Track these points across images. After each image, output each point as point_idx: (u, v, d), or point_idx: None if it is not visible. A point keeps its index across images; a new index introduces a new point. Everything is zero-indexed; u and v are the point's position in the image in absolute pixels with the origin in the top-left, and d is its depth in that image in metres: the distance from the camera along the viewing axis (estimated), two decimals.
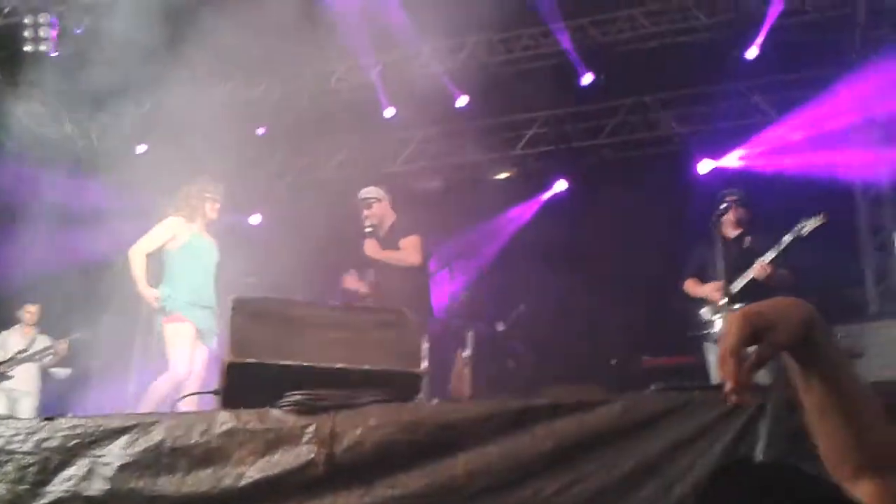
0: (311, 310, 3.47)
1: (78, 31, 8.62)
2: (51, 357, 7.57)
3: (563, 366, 7.43)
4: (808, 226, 5.21)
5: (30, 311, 7.94)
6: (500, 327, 7.37)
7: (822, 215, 5.24)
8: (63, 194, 9.15)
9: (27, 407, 7.46)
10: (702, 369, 5.60)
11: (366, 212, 5.75)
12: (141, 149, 10.90)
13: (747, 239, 5.57)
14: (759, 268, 5.26)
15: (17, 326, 7.95)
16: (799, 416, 2.31)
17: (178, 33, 8.20)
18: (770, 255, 5.27)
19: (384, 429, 2.77)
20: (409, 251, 5.54)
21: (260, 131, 9.98)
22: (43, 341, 7.74)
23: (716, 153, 9.15)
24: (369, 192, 5.85)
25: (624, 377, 7.24)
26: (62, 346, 7.51)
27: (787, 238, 5.25)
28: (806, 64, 8.72)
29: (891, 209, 8.26)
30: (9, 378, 7.08)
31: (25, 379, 7.47)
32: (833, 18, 8.20)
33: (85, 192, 9.46)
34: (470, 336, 6.93)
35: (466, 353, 6.90)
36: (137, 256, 5.50)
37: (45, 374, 7.79)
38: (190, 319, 5.45)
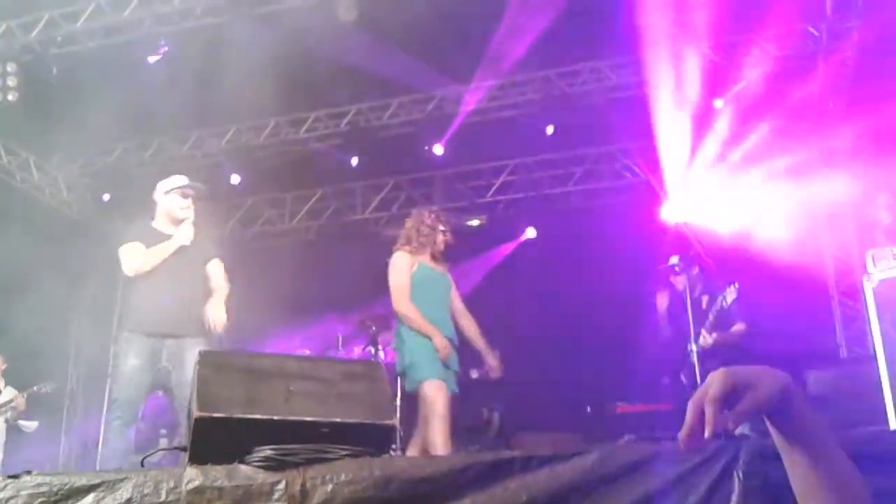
0: (277, 361, 3.43)
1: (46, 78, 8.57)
2: (11, 411, 7.39)
3: (536, 413, 7.41)
4: (729, 296, 5.48)
5: None
6: (474, 375, 7.32)
7: (734, 284, 5.53)
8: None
9: None
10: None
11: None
12: (106, 197, 10.86)
13: (704, 298, 5.82)
14: (702, 340, 5.56)
15: None
16: (772, 468, 2.33)
17: (146, 82, 8.23)
18: (707, 325, 5.57)
19: (356, 484, 2.72)
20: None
21: (235, 180, 9.93)
22: (9, 393, 7.56)
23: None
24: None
25: (599, 424, 7.22)
26: (20, 398, 7.33)
27: (710, 317, 5.57)
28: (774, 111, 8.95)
29: (857, 254, 8.40)
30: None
31: None
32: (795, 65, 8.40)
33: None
34: None
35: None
36: (409, 305, 4.90)
37: (10, 429, 7.59)
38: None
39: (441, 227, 5.25)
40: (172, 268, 5.24)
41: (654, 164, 9.45)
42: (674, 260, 6.12)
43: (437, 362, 4.62)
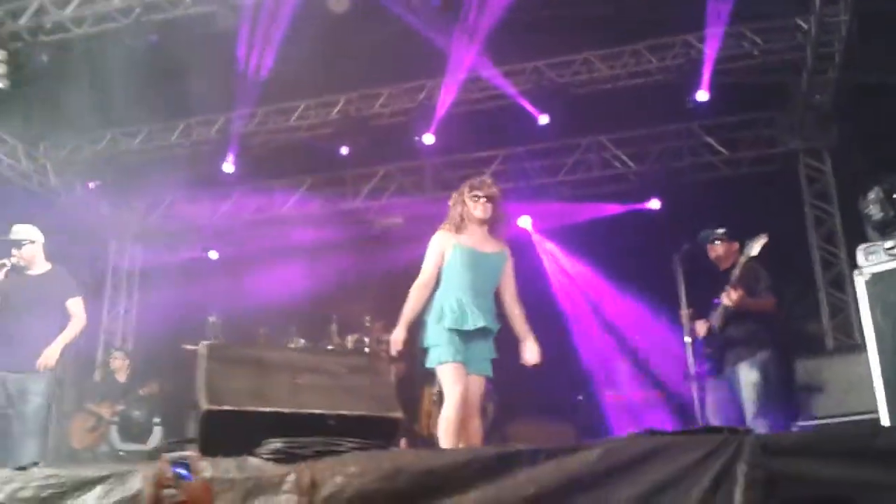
0: (283, 354, 3.48)
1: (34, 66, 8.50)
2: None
3: (528, 402, 7.47)
4: (755, 246, 5.40)
5: None
6: None
7: (763, 235, 5.45)
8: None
9: None
10: (685, 407, 5.69)
11: (15, 251, 5.74)
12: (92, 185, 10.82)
13: (735, 273, 5.70)
14: (726, 295, 5.44)
15: None
16: (776, 462, 2.39)
17: (133, 72, 8.18)
18: (733, 280, 5.45)
19: (365, 476, 2.75)
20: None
21: (229, 168, 9.89)
22: None
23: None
24: (20, 232, 5.86)
25: (589, 412, 7.31)
26: None
27: (741, 260, 5.43)
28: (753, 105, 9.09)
29: (843, 244, 8.54)
30: None
31: None
32: (781, 62, 8.48)
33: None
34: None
35: (435, 389, 6.87)
36: (414, 290, 4.66)
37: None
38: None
39: (470, 194, 4.74)
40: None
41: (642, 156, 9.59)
42: (720, 231, 5.91)
43: (451, 346, 4.53)
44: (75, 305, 5.87)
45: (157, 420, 8.36)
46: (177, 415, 8.34)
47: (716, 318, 5.62)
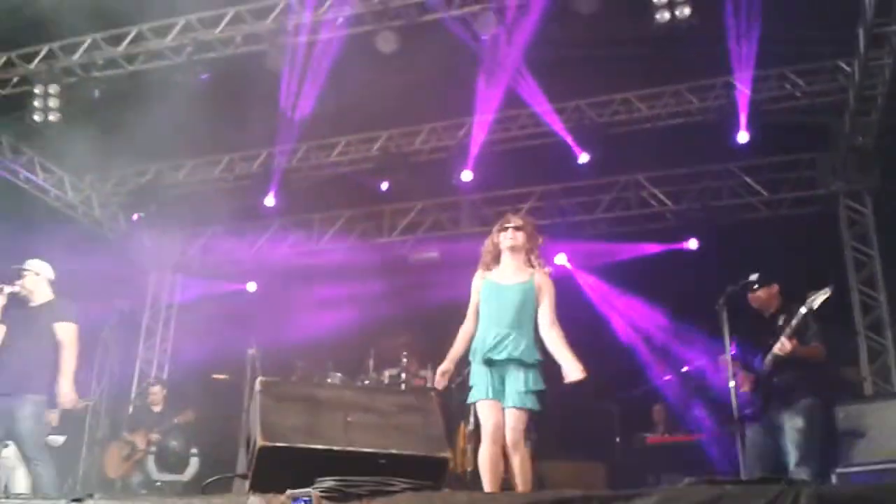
0: (335, 391, 3.52)
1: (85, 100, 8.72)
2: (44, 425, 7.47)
3: (565, 442, 7.43)
4: (818, 298, 5.30)
5: None
6: None
7: (828, 288, 5.35)
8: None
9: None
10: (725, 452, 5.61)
11: (18, 281, 5.87)
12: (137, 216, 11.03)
13: (781, 317, 5.63)
14: (780, 345, 5.38)
15: None
16: None
17: (181, 107, 8.37)
18: (788, 331, 5.37)
19: None
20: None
21: (270, 202, 10.05)
22: None
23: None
24: (29, 264, 5.98)
25: (627, 455, 7.24)
26: (52, 415, 7.41)
27: (801, 310, 5.34)
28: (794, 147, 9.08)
29: (883, 288, 8.45)
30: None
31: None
32: (823, 104, 8.49)
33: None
34: (473, 410, 6.90)
35: (469, 427, 6.87)
36: (461, 329, 4.69)
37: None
38: None
39: (498, 228, 4.79)
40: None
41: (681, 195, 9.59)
42: (753, 277, 5.81)
43: (483, 382, 4.55)
44: (64, 330, 5.86)
45: (194, 451, 8.42)
46: (212, 445, 8.41)
47: (764, 365, 5.54)
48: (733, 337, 5.43)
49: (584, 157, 9.03)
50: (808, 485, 2.43)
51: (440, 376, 4.57)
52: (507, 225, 4.75)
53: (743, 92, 8.35)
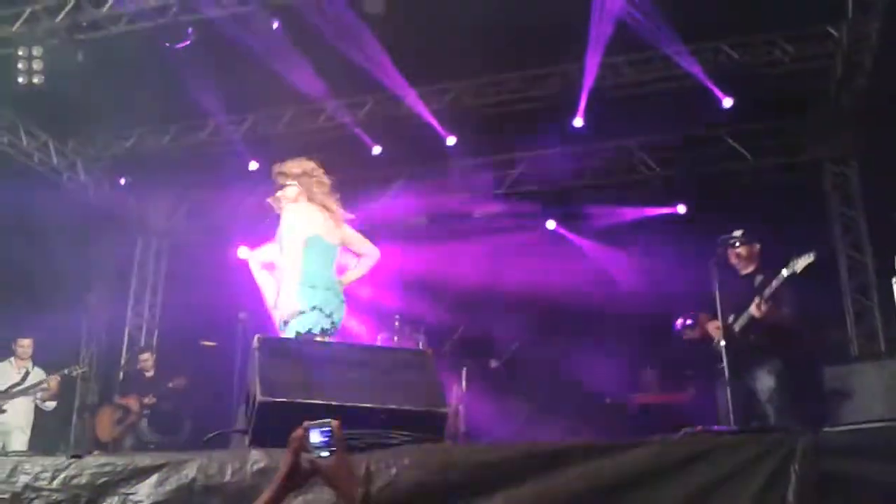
0: (333, 349, 3.53)
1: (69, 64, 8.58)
2: (42, 392, 7.51)
3: (555, 404, 7.49)
4: (801, 263, 5.34)
5: (22, 345, 7.87)
6: (494, 364, 7.42)
7: (812, 253, 5.40)
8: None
9: (18, 441, 7.37)
10: (704, 407, 5.68)
11: None
12: (123, 181, 10.96)
13: (758, 277, 5.66)
14: (755, 306, 5.40)
15: (9, 360, 7.87)
16: (829, 462, 2.42)
17: (165, 70, 8.27)
18: (766, 293, 5.40)
19: (418, 469, 2.81)
20: None
21: (253, 166, 9.99)
22: (38, 375, 7.68)
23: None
24: None
25: (617, 415, 7.31)
26: (53, 381, 7.45)
27: (783, 274, 5.38)
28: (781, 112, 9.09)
29: (869, 251, 8.55)
30: (2, 412, 7.01)
31: (18, 413, 7.40)
32: (811, 69, 8.49)
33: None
34: (463, 373, 6.97)
35: (460, 390, 6.93)
36: None
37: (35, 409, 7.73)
38: None
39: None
40: None
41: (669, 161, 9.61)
42: (738, 232, 5.86)
43: None
44: None
45: (188, 414, 8.47)
46: (205, 409, 8.44)
47: (737, 324, 5.56)
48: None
49: (578, 122, 9.02)
50: (804, 433, 2.48)
51: None
52: None
53: (729, 55, 8.36)
